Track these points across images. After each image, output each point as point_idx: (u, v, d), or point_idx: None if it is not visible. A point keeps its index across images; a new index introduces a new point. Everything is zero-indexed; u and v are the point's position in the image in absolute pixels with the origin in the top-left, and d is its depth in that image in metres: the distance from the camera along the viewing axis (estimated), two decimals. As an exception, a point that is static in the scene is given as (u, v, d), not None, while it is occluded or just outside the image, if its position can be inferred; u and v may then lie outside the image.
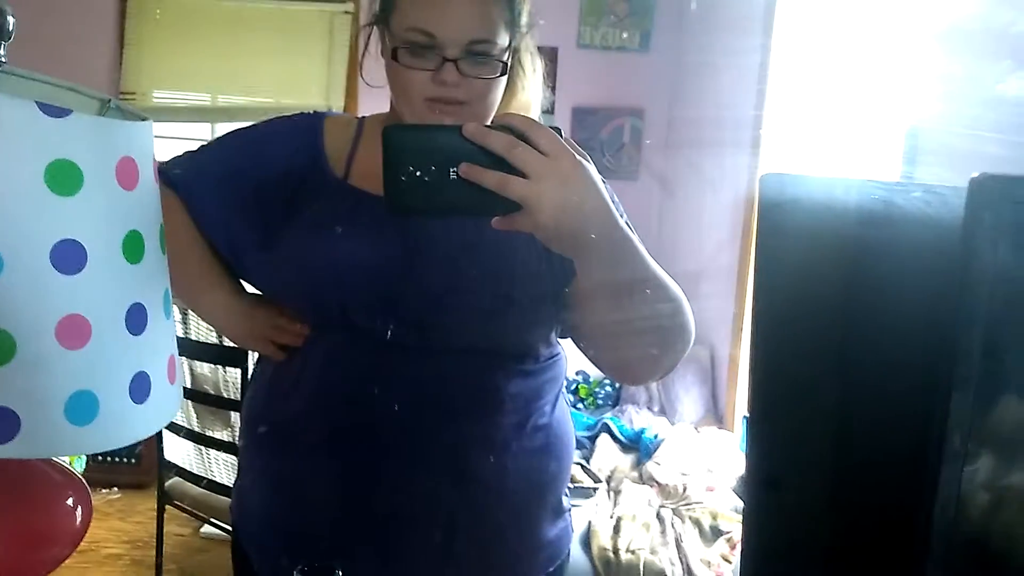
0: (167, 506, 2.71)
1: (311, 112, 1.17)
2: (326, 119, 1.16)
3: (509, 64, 1.05)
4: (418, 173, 0.79)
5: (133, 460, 3.70)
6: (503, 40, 1.02)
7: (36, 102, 0.64)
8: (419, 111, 1.03)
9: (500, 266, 1.02)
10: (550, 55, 3.78)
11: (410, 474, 1.06)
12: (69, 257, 0.64)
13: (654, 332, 1.01)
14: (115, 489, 3.66)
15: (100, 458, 3.64)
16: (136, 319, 0.70)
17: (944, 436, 0.42)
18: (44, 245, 0.63)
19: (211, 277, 1.16)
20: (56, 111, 0.64)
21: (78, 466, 3.30)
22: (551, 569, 1.19)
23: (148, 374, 0.71)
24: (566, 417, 1.19)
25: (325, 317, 1.07)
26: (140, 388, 0.70)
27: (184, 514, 2.73)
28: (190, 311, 3.27)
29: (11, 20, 0.69)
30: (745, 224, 3.31)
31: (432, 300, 1.04)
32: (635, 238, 0.91)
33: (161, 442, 2.64)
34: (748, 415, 0.67)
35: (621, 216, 1.10)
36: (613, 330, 1.03)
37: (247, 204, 1.10)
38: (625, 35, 4.06)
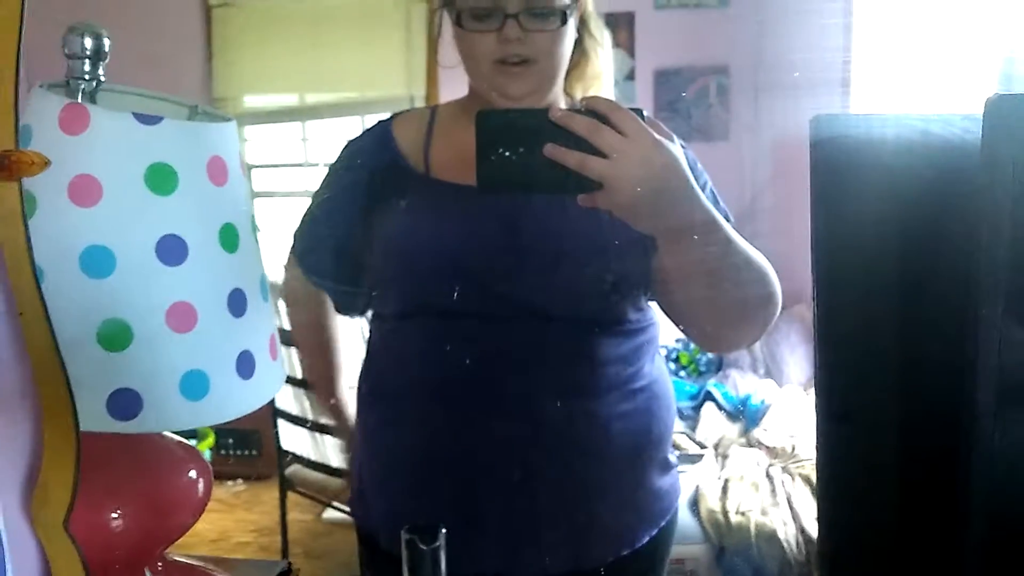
0: (289, 493, 2.84)
1: (377, 122, 1.22)
2: (394, 120, 1.21)
3: (576, 28, 1.08)
4: (507, 153, 0.86)
5: (255, 452, 3.86)
6: None
7: (132, 113, 0.71)
8: (488, 75, 1.07)
9: (591, 239, 1.05)
10: (627, 20, 3.76)
11: (517, 440, 1.11)
12: (172, 250, 0.71)
13: (738, 305, 1.04)
14: (239, 481, 3.84)
15: (224, 452, 3.82)
16: (237, 303, 0.76)
17: (976, 354, 0.43)
18: (150, 241, 0.70)
19: (338, 377, 1.26)
20: (150, 119, 0.71)
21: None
22: (662, 524, 1.22)
23: (252, 352, 0.77)
24: (664, 378, 1.22)
25: (426, 302, 1.13)
26: (245, 365, 0.76)
27: (306, 500, 2.86)
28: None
29: (107, 42, 0.76)
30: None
31: (527, 275, 1.09)
32: (718, 215, 0.94)
33: (277, 432, 2.77)
34: (816, 351, 0.69)
35: (705, 186, 1.13)
36: (696, 303, 1.06)
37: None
38: (702, -9, 3.99)
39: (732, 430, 3.09)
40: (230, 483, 3.81)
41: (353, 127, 3.82)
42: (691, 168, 1.13)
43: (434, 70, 3.85)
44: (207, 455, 3.60)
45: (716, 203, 1.13)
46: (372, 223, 1.16)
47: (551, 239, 1.09)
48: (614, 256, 1.05)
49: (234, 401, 0.76)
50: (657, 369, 1.20)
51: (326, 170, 1.25)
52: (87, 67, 0.75)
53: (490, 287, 1.09)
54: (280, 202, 3.64)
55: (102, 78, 0.80)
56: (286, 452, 2.78)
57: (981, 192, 0.43)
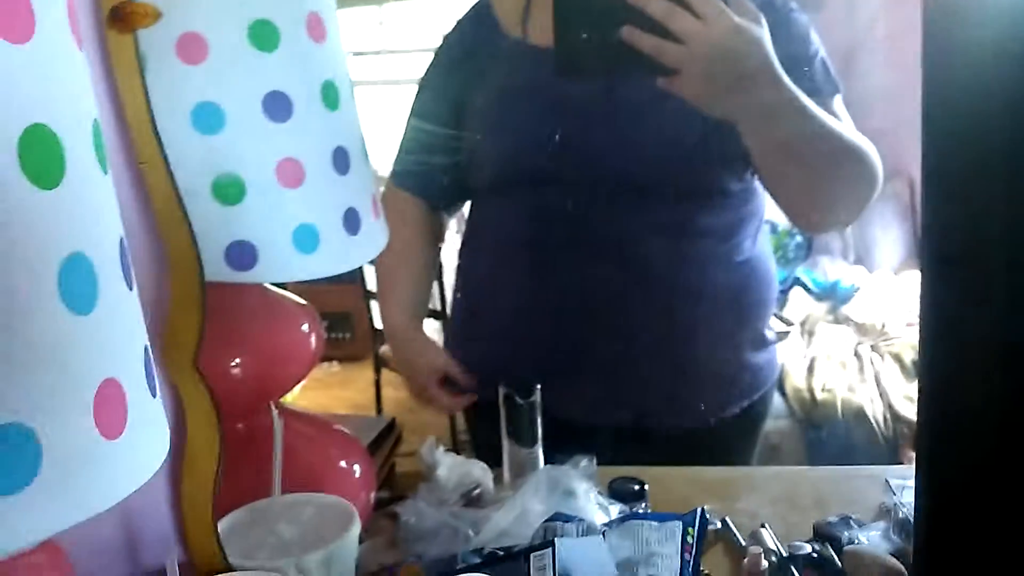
0: (383, 369, 2.95)
1: None
2: None
3: None
4: (585, 36, 0.86)
5: (349, 335, 4.01)
6: None
7: (233, -31, 0.72)
8: None
9: (681, 113, 1.04)
10: None
11: (616, 299, 1.13)
12: (278, 106, 0.73)
13: (830, 185, 1.02)
14: (334, 363, 4.00)
15: (319, 335, 3.98)
16: (341, 161, 0.78)
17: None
18: (256, 97, 0.72)
19: (400, 288, 1.27)
20: (251, -25, 0.72)
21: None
22: (756, 396, 1.24)
23: (356, 209, 0.80)
24: (767, 255, 1.21)
25: (520, 174, 1.13)
26: (352, 221, 0.79)
27: (399, 377, 2.96)
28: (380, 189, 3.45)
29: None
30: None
31: (625, 142, 1.08)
32: (804, 99, 0.91)
33: (370, 311, 2.86)
34: (923, 189, 0.67)
35: (815, 56, 1.09)
36: (786, 182, 1.04)
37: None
38: None
39: (820, 308, 3.05)
40: (325, 364, 3.97)
41: (430, 10, 3.76)
42: (803, 38, 1.09)
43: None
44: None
45: (827, 74, 1.09)
46: (474, 97, 1.16)
47: (649, 107, 1.07)
48: (712, 126, 1.04)
49: (343, 255, 0.78)
50: (759, 245, 1.19)
51: (410, 56, 1.26)
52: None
53: (588, 154, 1.09)
54: (359, 90, 3.64)
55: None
56: (379, 331, 2.88)
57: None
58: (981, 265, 0.64)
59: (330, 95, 0.77)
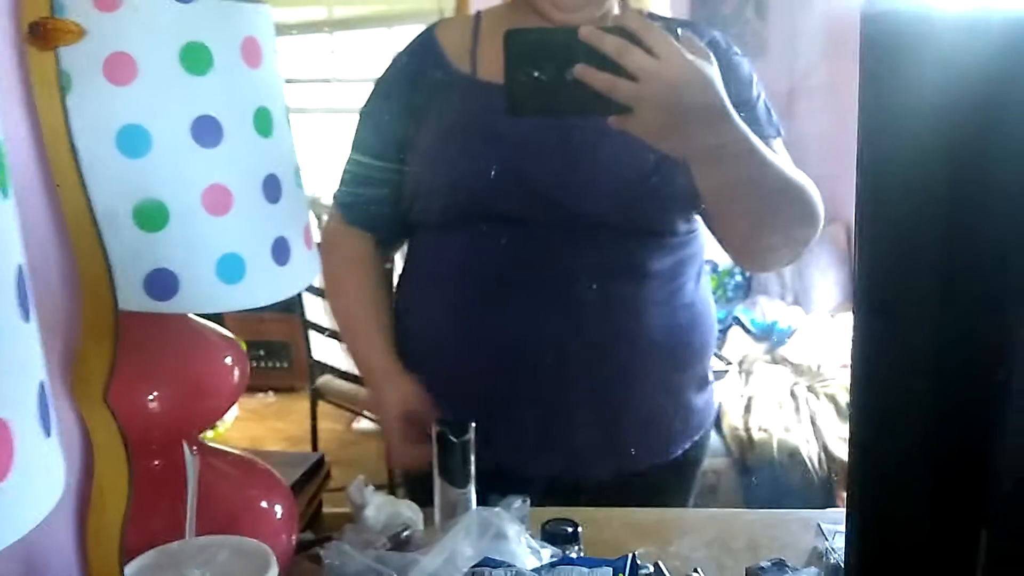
0: (319, 402, 2.89)
1: (421, 32, 1.19)
2: (437, 26, 1.18)
3: None
4: (536, 74, 0.84)
5: (286, 364, 3.93)
6: None
7: (165, -11, 0.69)
8: None
9: (643, 145, 1.03)
10: (664, -67, 3.63)
11: (555, 332, 1.10)
12: (208, 131, 0.71)
13: (774, 225, 1.02)
14: (270, 393, 3.92)
15: (255, 364, 3.89)
16: (272, 189, 0.76)
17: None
18: (185, 121, 0.70)
19: (368, 325, 1.21)
20: (184, -4, 0.70)
21: (237, 371, 3.56)
22: (696, 438, 1.23)
23: (287, 239, 0.77)
24: (708, 297, 1.20)
25: (467, 209, 1.11)
26: (281, 251, 0.77)
27: (337, 410, 2.91)
28: (323, 216, 3.40)
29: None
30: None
31: (577, 178, 1.06)
32: (753, 138, 0.91)
33: (308, 342, 2.80)
34: (856, 237, 0.67)
35: (758, 99, 1.09)
36: (732, 222, 1.04)
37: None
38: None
39: (757, 349, 3.09)
40: (261, 395, 3.89)
41: (381, 40, 3.78)
42: (747, 82, 1.10)
43: (465, -16, 3.81)
44: (238, 365, 3.69)
45: (769, 117, 1.10)
46: (418, 131, 1.13)
47: (602, 143, 1.06)
48: (664, 163, 1.03)
49: (269, 286, 0.76)
50: (702, 288, 1.19)
51: (359, 85, 1.24)
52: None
53: (537, 190, 1.07)
54: (308, 118, 3.62)
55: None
56: (317, 362, 2.83)
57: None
58: (912, 311, 0.64)
59: (263, 121, 0.75)
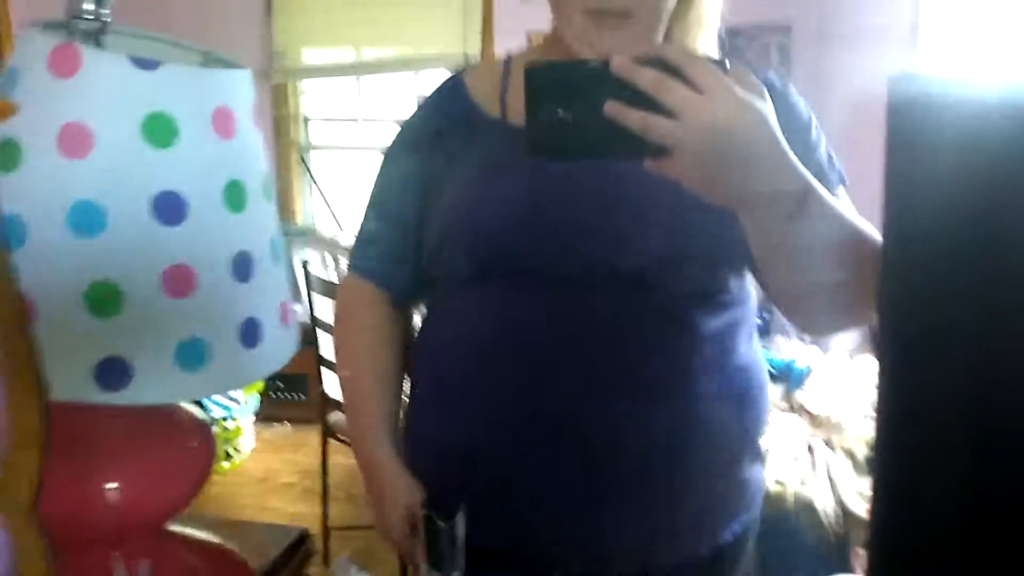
0: (330, 439, 2.84)
1: (449, 76, 1.13)
2: (465, 71, 1.12)
3: None
4: (562, 113, 0.75)
5: (303, 396, 3.89)
6: None
7: (128, 56, 0.65)
8: (580, 26, 0.94)
9: (680, 197, 0.92)
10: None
11: (594, 412, 1.00)
12: (170, 208, 0.66)
13: (838, 286, 0.90)
14: (287, 424, 3.89)
15: (273, 396, 3.86)
16: (243, 267, 0.71)
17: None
18: (145, 197, 0.65)
19: (372, 413, 1.10)
20: (148, 64, 0.65)
21: (252, 404, 3.52)
22: (745, 517, 1.10)
23: (258, 319, 0.72)
24: (760, 358, 1.08)
25: (501, 261, 1.01)
26: (251, 333, 0.71)
27: (347, 446, 2.86)
28: (340, 258, 3.38)
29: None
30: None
31: (620, 232, 0.96)
32: (815, 184, 0.80)
33: (321, 380, 2.76)
34: (880, 341, 0.60)
35: (818, 145, 0.98)
36: (794, 279, 0.92)
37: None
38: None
39: (774, 393, 3.00)
40: (277, 425, 3.86)
41: (408, 83, 3.84)
42: (805, 126, 0.99)
43: (490, 28, 3.78)
44: (255, 399, 3.65)
45: (831, 163, 0.99)
46: (444, 177, 1.05)
47: (650, 191, 0.95)
48: (717, 217, 0.89)
49: (236, 371, 0.71)
50: (754, 349, 1.07)
51: (385, 124, 1.17)
52: (88, 4, 0.69)
53: (575, 245, 0.97)
54: (335, 154, 3.65)
55: (107, 18, 0.74)
56: (329, 399, 2.78)
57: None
58: (945, 350, 0.57)
59: (235, 195, 0.70)
